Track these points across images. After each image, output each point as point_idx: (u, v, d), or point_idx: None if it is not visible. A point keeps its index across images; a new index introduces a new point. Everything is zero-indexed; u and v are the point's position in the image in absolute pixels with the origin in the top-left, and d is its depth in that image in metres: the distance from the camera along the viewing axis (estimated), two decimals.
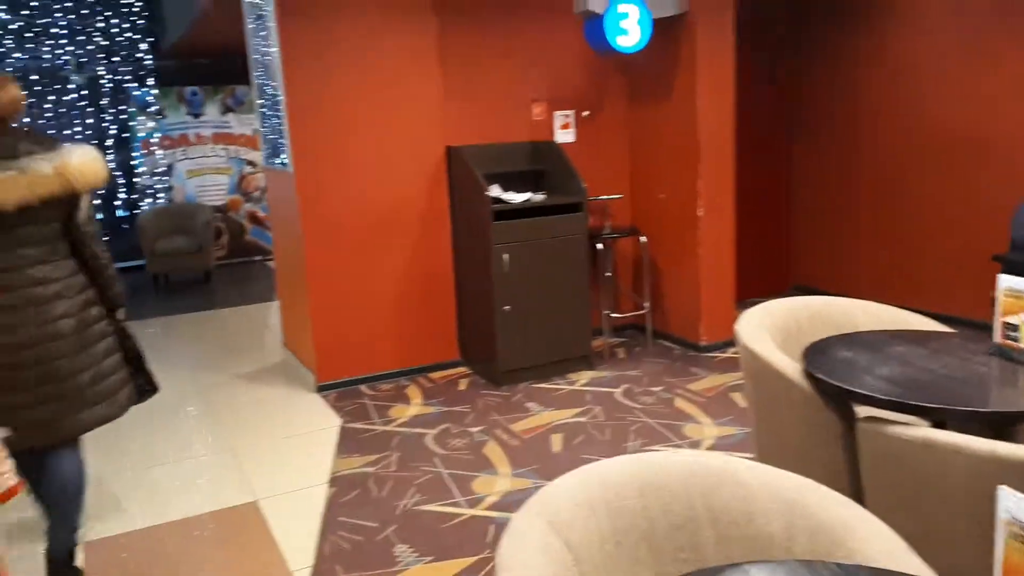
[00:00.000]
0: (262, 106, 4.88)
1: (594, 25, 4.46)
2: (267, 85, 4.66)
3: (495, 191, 4.49)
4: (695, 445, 3.59)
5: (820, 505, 1.55)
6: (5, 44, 8.22)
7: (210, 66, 8.98)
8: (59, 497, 2.62)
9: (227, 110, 9.01)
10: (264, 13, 4.44)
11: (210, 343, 5.86)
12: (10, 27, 8.22)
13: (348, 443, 3.82)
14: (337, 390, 4.57)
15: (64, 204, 2.51)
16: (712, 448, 3.53)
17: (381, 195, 4.56)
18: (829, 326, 2.73)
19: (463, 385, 4.57)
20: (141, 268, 8.18)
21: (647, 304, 5.15)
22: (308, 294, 4.49)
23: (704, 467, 1.70)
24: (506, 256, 4.33)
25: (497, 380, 4.49)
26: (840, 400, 2.15)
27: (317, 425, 4.10)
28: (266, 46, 4.53)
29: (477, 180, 4.36)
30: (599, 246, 4.95)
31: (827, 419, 2.18)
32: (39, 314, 2.46)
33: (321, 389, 4.56)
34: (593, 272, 4.83)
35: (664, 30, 4.73)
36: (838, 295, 2.92)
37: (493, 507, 3.09)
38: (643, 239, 5.09)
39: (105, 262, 2.71)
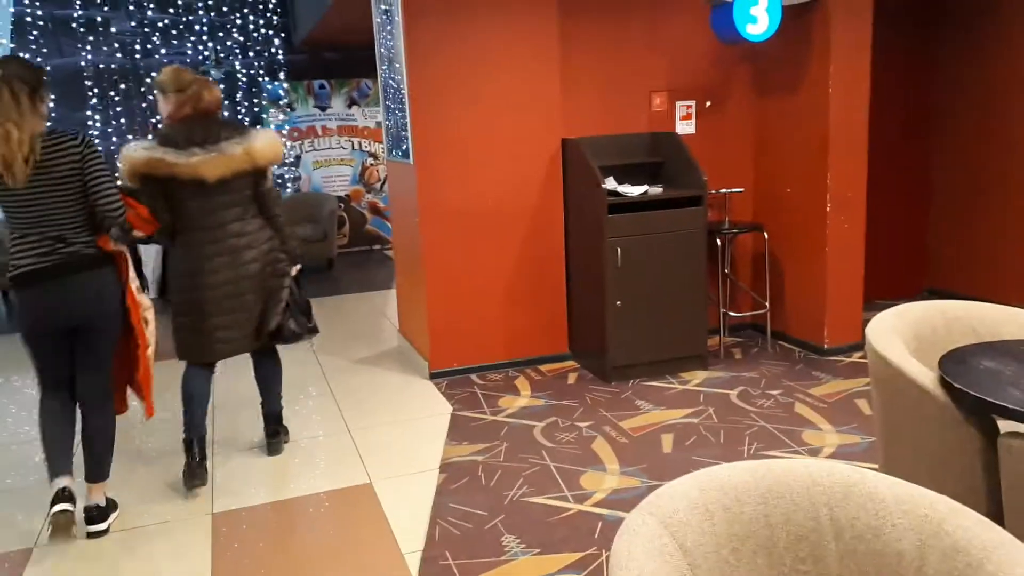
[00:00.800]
0: (386, 99, 5.01)
1: (722, 13, 4.32)
2: (391, 78, 4.78)
3: (610, 183, 4.43)
4: (815, 453, 3.43)
5: (956, 524, 1.43)
6: (153, 41, 8.82)
7: (337, 60, 9.33)
8: (264, 383, 3.72)
9: (352, 103, 9.32)
10: (391, 8, 4.55)
11: (331, 328, 6.09)
12: (158, 24, 8.80)
13: (458, 431, 3.88)
14: (448, 378, 4.65)
15: (252, 176, 3.30)
16: (833, 457, 3.36)
17: (497, 187, 4.60)
18: (968, 333, 2.54)
19: (572, 379, 4.55)
20: None
21: (767, 303, 4.96)
22: (424, 283, 4.59)
23: (830, 476, 1.61)
24: (620, 250, 4.27)
25: (607, 376, 4.44)
26: (981, 413, 1.99)
27: (429, 411, 4.19)
28: (391, 40, 4.65)
29: (592, 172, 4.32)
30: (718, 241, 4.81)
31: (965, 433, 2.03)
32: (234, 259, 3.31)
33: (433, 376, 4.66)
34: (710, 268, 4.69)
35: (795, 17, 4.53)
36: (977, 299, 2.70)
37: (601, 504, 3.06)
38: (765, 235, 4.90)
39: (283, 221, 3.49)
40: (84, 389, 3.04)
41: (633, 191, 4.41)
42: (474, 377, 4.66)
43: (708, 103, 4.97)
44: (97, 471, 3.05)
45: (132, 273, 3.15)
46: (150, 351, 3.21)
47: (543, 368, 4.75)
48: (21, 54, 8.41)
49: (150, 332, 3.21)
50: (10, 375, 5.33)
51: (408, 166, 4.60)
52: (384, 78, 4.99)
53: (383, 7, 4.74)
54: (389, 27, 4.67)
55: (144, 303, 3.19)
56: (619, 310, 4.32)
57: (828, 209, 4.57)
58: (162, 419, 4.07)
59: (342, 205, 9.22)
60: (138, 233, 3.18)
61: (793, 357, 4.75)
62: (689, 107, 4.95)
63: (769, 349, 4.93)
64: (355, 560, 2.78)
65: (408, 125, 4.48)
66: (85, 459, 3.06)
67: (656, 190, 4.48)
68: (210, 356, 3.43)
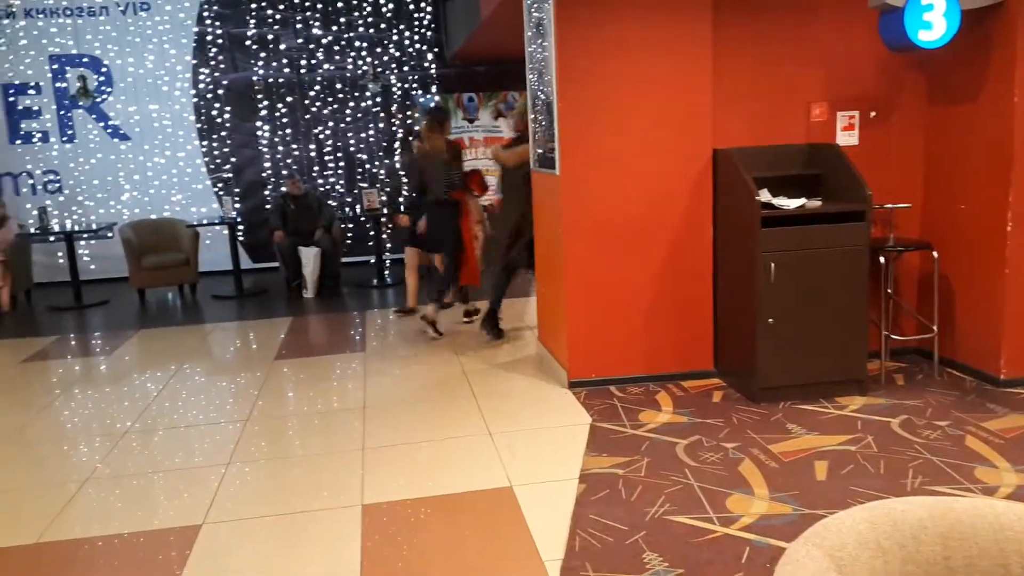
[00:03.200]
0: (534, 111, 5.07)
1: (891, 19, 4.07)
2: (540, 90, 4.83)
3: (764, 196, 4.26)
4: (989, 492, 3.14)
5: None
6: (317, 56, 9.37)
7: (486, 73, 9.55)
8: (497, 290, 5.93)
9: (499, 115, 9.51)
10: (543, 21, 4.60)
11: (472, 332, 6.22)
12: (322, 41, 9.35)
13: (598, 442, 3.85)
14: (587, 388, 4.63)
15: (524, 165, 5.47)
16: (1011, 498, 3.06)
17: (643, 197, 4.54)
18: None
19: (717, 397, 4.41)
20: None
21: (935, 327, 4.60)
22: (565, 293, 4.59)
23: (1022, 521, 1.47)
24: (773, 265, 4.10)
25: (755, 396, 4.27)
26: None
27: (568, 420, 4.18)
28: (542, 53, 4.70)
29: (745, 184, 4.17)
30: (881, 259, 4.51)
31: None
32: (511, 213, 5.82)
33: (572, 385, 4.65)
34: (872, 288, 4.41)
35: (974, 21, 4.19)
36: None
37: (749, 528, 2.93)
38: (935, 254, 4.55)
39: (528, 194, 5.42)
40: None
41: (790, 204, 4.22)
42: (613, 389, 4.61)
43: (873, 113, 4.69)
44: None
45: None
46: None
47: (685, 384, 4.63)
48: (201, 69, 9.18)
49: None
50: (183, 363, 5.79)
51: (553, 176, 4.62)
52: (533, 89, 5.05)
53: (535, 19, 4.80)
54: (540, 39, 4.73)
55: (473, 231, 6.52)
56: (771, 328, 4.14)
57: (1009, 228, 4.18)
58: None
59: (486, 213, 9.39)
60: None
61: (963, 386, 4.38)
62: (852, 117, 4.69)
63: (936, 376, 4.57)
64: (497, 564, 2.81)
65: (555, 136, 4.51)
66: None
67: (815, 203, 4.27)
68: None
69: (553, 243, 4.80)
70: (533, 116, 5.10)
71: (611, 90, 4.43)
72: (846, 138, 4.68)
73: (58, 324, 7.39)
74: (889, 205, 4.63)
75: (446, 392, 4.80)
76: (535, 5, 4.76)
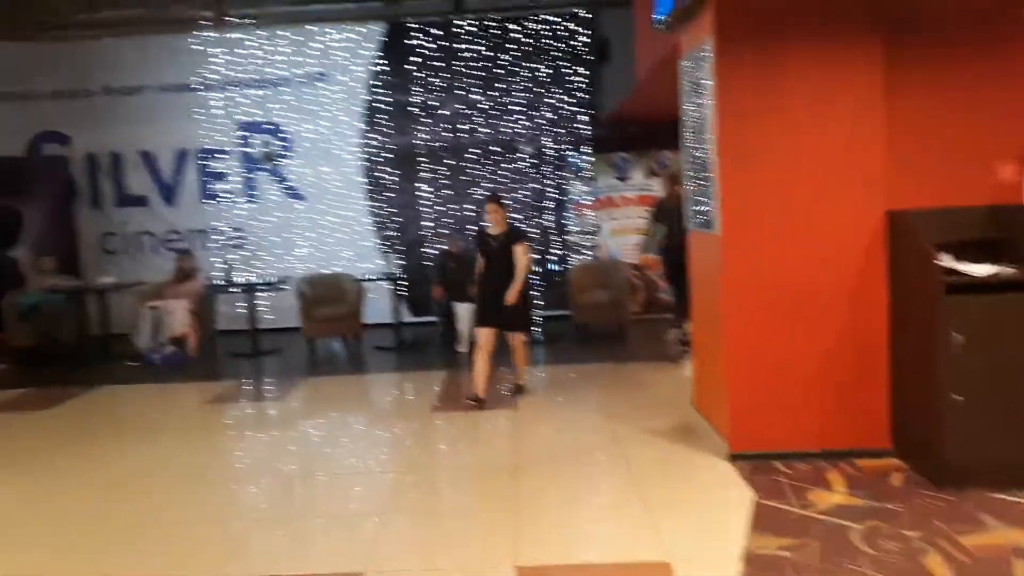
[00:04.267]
0: (689, 169, 5.01)
1: None
2: (696, 149, 4.77)
3: (946, 261, 3.95)
4: None
5: None
6: (474, 120, 9.77)
7: (638, 133, 9.58)
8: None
9: (651, 174, 9.49)
10: (700, 80, 4.57)
11: (622, 394, 6.12)
12: (479, 106, 9.75)
13: (762, 521, 3.63)
14: (749, 461, 4.40)
15: None
16: None
17: (810, 260, 4.34)
18: None
19: (896, 480, 4.06)
20: (567, 317, 8.94)
21: None
22: (724, 358, 4.43)
23: None
24: (959, 336, 3.77)
25: (939, 480, 3.90)
26: None
27: (728, 495, 3.98)
28: (699, 111, 4.66)
29: (924, 248, 3.89)
30: None
31: None
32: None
33: (733, 458, 4.44)
34: None
35: None
36: None
37: None
38: None
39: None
40: None
41: (980, 270, 3.89)
42: (778, 464, 4.35)
43: None
44: None
45: None
46: None
47: (859, 463, 4.30)
48: (369, 134, 9.80)
49: None
50: (345, 411, 6.06)
51: (712, 236, 4.52)
52: (688, 149, 5.00)
53: (692, 79, 4.77)
54: (697, 98, 4.69)
55: None
56: (959, 406, 3.79)
57: None
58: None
59: (637, 272, 9.34)
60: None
61: None
62: None
63: None
64: None
65: (714, 194, 4.42)
66: None
67: (1009, 271, 3.90)
68: None
69: (711, 305, 4.66)
70: (689, 176, 5.04)
71: (774, 149, 4.31)
72: None
73: (237, 369, 7.97)
74: None
75: (598, 456, 4.72)
76: (692, 65, 4.74)
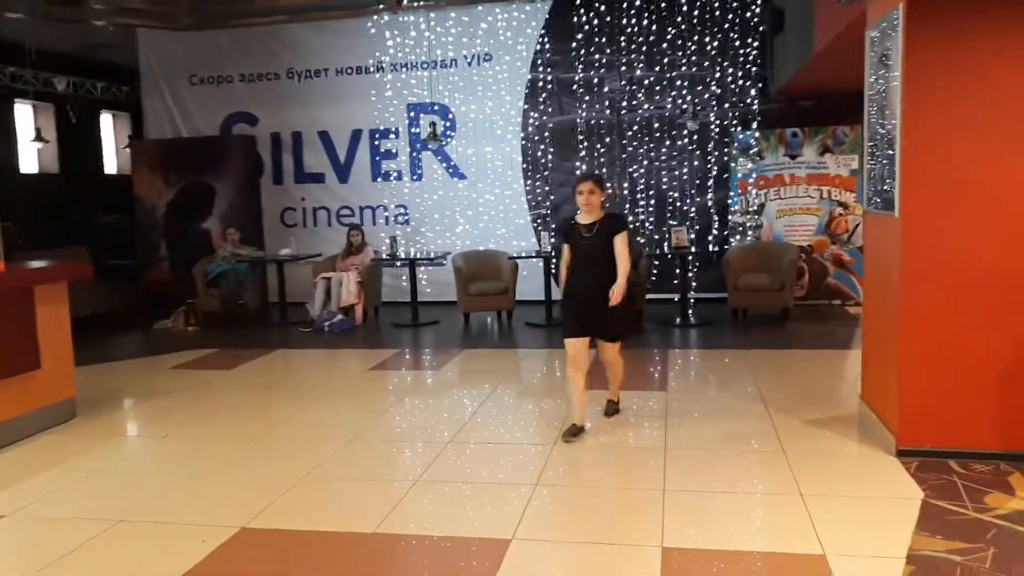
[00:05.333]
0: (872, 146, 4.67)
1: None
2: (880, 124, 4.44)
3: None
4: None
5: None
6: (638, 97, 9.60)
7: (812, 107, 9.05)
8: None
9: (825, 151, 8.94)
10: (889, 50, 4.24)
11: (783, 383, 5.86)
12: (644, 82, 9.57)
13: (930, 521, 3.37)
14: (919, 458, 4.08)
15: None
16: None
17: (1001, 247, 3.94)
18: None
19: None
20: (723, 300, 8.66)
21: None
22: (898, 349, 4.13)
23: None
24: None
25: None
26: None
27: (894, 492, 3.72)
28: (885, 84, 4.32)
29: None
30: None
31: None
32: None
33: (901, 454, 4.14)
34: None
35: None
36: None
37: None
38: None
39: None
40: None
41: None
42: (952, 463, 4.01)
43: None
44: None
45: None
46: None
47: None
48: (531, 113, 9.89)
49: None
50: (497, 384, 6.21)
51: (891, 219, 4.20)
52: (871, 124, 4.65)
53: (879, 51, 4.43)
54: (883, 71, 4.35)
55: None
56: None
57: None
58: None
59: (803, 255, 8.86)
60: None
61: None
62: None
63: None
64: None
65: (897, 174, 4.10)
66: None
67: None
68: None
69: (887, 292, 4.34)
70: (870, 153, 4.70)
71: (968, 125, 3.93)
72: None
73: (398, 339, 8.38)
74: None
75: (752, 444, 4.56)
76: (880, 34, 4.40)
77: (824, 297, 9.02)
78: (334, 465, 4.44)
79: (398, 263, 9.61)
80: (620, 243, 4.58)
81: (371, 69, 10.30)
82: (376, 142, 10.45)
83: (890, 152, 4.22)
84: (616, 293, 4.49)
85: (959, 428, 4.07)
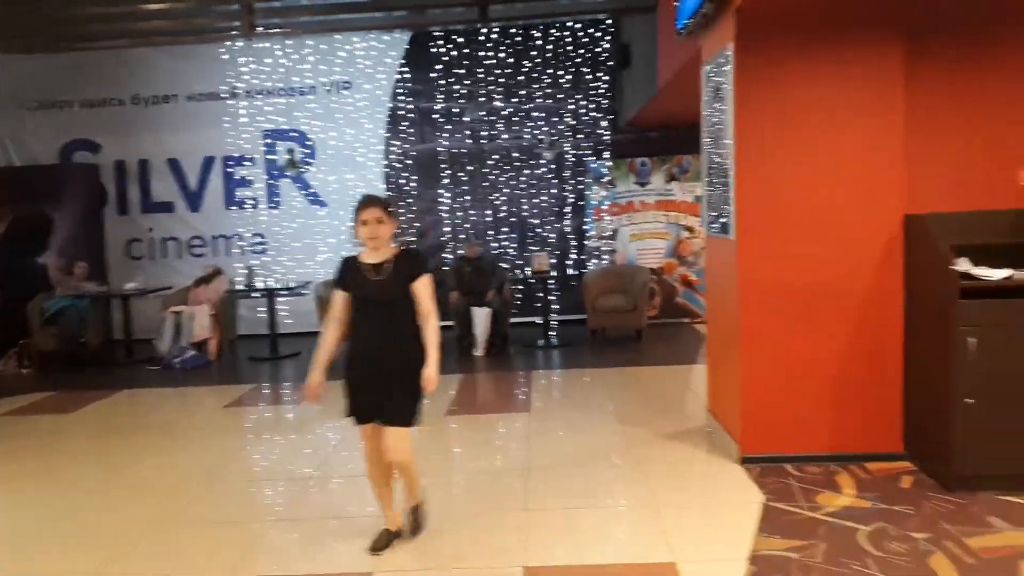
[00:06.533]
0: (709, 174, 5.02)
1: None
2: (715, 153, 4.79)
3: (963, 265, 3.93)
4: None
5: None
6: (497, 127, 9.84)
7: (658, 138, 9.60)
8: None
9: (671, 178, 9.50)
10: (722, 85, 4.59)
11: (637, 398, 6.13)
12: (502, 113, 9.82)
13: (770, 522, 3.63)
14: (760, 464, 4.39)
15: None
16: None
17: (826, 265, 4.33)
18: None
19: (906, 483, 4.04)
20: (582, 322, 8.97)
21: None
22: (739, 362, 4.43)
23: None
24: (973, 340, 3.74)
25: (950, 484, 3.87)
26: None
27: (738, 497, 3.98)
28: (719, 116, 4.67)
29: (940, 252, 3.87)
30: None
31: None
32: None
33: (745, 461, 4.43)
34: None
35: None
36: None
37: None
38: None
39: None
40: None
41: (994, 274, 3.86)
42: (789, 467, 4.34)
43: None
44: None
45: None
46: None
47: (870, 466, 4.28)
48: (392, 141, 9.91)
49: None
50: None
51: (728, 241, 4.53)
52: (708, 153, 5.01)
53: (713, 84, 4.79)
54: (718, 104, 4.71)
55: None
56: (971, 410, 3.76)
57: None
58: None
59: (655, 277, 9.34)
60: None
61: None
62: None
63: None
64: None
65: (731, 200, 4.43)
66: None
67: (1022, 275, 3.87)
68: None
69: (727, 309, 4.67)
70: (708, 180, 5.05)
71: (792, 153, 4.31)
72: None
73: (256, 374, 8.08)
74: None
75: (609, 459, 4.73)
76: (714, 70, 4.76)
77: (674, 316, 9.54)
78: (187, 510, 4.22)
79: (255, 294, 9.29)
80: (423, 290, 3.45)
81: (224, 95, 10.00)
82: (230, 169, 10.13)
83: (725, 180, 4.56)
84: (429, 378, 3.38)
85: (794, 434, 4.40)
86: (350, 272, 3.52)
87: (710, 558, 3.31)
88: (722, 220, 4.66)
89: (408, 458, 3.53)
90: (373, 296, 3.44)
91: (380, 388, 3.43)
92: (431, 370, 3.38)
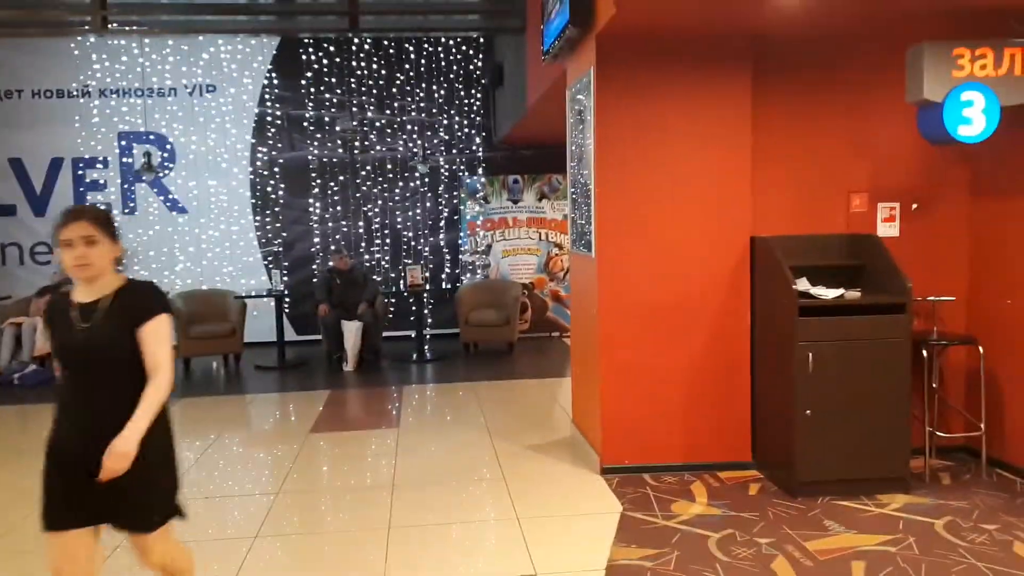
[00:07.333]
0: (574, 194, 5.17)
1: (930, 114, 4.09)
2: (580, 174, 4.94)
3: (803, 285, 4.23)
4: None
5: None
6: (370, 138, 9.73)
7: (531, 157, 9.79)
8: None
9: (542, 196, 9.71)
10: (584, 109, 4.74)
11: (508, 412, 6.19)
12: (376, 124, 9.72)
13: (627, 532, 3.75)
14: (620, 475, 4.54)
15: None
16: None
17: (681, 283, 4.54)
18: None
19: (753, 490, 4.28)
20: (455, 336, 8.98)
21: (982, 425, 4.44)
22: (599, 375, 4.57)
23: None
24: (811, 355, 4.03)
25: (792, 490, 4.14)
26: None
27: (598, 508, 4.09)
28: (582, 139, 4.82)
29: (783, 272, 4.16)
30: (924, 353, 4.41)
31: None
32: None
33: (605, 472, 4.57)
34: (916, 382, 4.29)
35: (1016, 117, 4.19)
36: None
37: None
38: (980, 349, 4.43)
39: None
40: None
41: (828, 294, 4.18)
42: (647, 477, 4.51)
43: (915, 205, 4.67)
44: None
45: None
46: None
47: (722, 475, 4.51)
48: (259, 147, 9.59)
49: None
50: (222, 432, 5.86)
51: (590, 259, 4.67)
52: (573, 174, 5.16)
53: (576, 107, 4.94)
54: (581, 127, 4.86)
55: None
56: (809, 420, 4.04)
57: None
58: None
59: (526, 292, 9.50)
60: None
61: (1014, 488, 4.19)
62: (892, 209, 4.67)
63: (984, 477, 4.38)
64: None
65: (593, 219, 4.58)
66: None
67: (854, 294, 4.22)
68: None
69: (589, 325, 4.80)
70: (573, 199, 5.20)
71: (649, 176, 4.50)
72: (887, 229, 4.65)
73: None
74: (932, 298, 4.55)
75: (476, 473, 4.75)
76: (577, 95, 4.91)
77: (545, 330, 9.73)
78: (25, 535, 3.89)
79: None
80: (153, 339, 2.40)
81: (75, 93, 9.38)
82: (80, 172, 9.49)
83: (588, 200, 4.70)
84: (113, 447, 2.24)
85: (651, 444, 4.58)
86: (57, 316, 2.43)
87: (570, 569, 3.38)
88: (585, 238, 4.81)
89: (179, 559, 2.60)
90: (79, 351, 2.38)
91: (99, 484, 2.28)
92: (126, 434, 2.25)
